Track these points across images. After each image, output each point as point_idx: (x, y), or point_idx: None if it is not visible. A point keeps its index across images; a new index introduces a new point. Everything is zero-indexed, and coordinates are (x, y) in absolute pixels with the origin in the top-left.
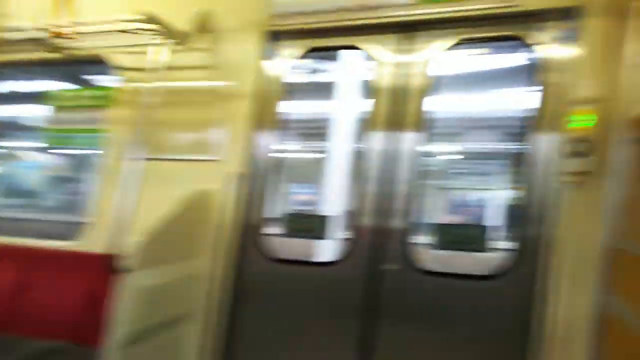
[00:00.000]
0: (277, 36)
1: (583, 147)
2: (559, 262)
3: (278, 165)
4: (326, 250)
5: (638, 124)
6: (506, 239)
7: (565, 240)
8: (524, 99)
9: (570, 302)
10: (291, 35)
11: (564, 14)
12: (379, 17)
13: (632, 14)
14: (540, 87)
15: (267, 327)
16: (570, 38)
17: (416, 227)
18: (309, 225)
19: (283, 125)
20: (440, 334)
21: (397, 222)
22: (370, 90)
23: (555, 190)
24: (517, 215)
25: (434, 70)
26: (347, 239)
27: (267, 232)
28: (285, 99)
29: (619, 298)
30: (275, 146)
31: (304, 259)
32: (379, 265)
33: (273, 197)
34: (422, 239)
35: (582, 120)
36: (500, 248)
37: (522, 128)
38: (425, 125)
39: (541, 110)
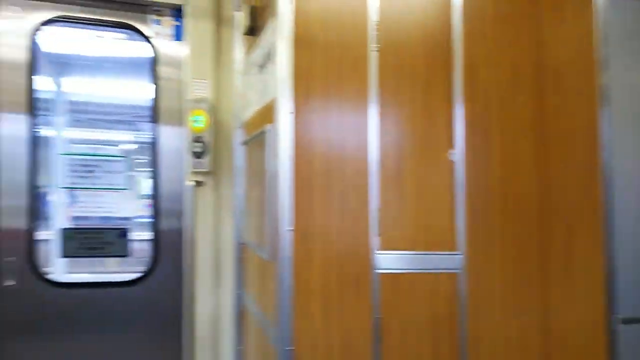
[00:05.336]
0: None
1: (199, 147)
2: (200, 260)
3: None
4: None
5: (247, 129)
6: (146, 240)
7: (203, 238)
8: (144, 91)
9: (215, 299)
10: None
11: (173, 10)
12: None
13: (235, 23)
14: (157, 81)
15: None
16: (180, 35)
17: (42, 233)
18: None
19: None
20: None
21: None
22: None
23: (186, 188)
24: (155, 214)
25: (37, 45)
26: None
27: None
28: None
29: (247, 290)
30: None
31: None
32: None
33: None
34: (50, 246)
35: (197, 121)
36: (141, 249)
37: (145, 121)
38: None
39: (160, 104)
